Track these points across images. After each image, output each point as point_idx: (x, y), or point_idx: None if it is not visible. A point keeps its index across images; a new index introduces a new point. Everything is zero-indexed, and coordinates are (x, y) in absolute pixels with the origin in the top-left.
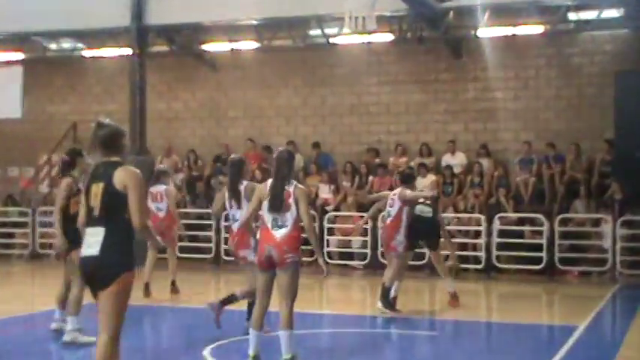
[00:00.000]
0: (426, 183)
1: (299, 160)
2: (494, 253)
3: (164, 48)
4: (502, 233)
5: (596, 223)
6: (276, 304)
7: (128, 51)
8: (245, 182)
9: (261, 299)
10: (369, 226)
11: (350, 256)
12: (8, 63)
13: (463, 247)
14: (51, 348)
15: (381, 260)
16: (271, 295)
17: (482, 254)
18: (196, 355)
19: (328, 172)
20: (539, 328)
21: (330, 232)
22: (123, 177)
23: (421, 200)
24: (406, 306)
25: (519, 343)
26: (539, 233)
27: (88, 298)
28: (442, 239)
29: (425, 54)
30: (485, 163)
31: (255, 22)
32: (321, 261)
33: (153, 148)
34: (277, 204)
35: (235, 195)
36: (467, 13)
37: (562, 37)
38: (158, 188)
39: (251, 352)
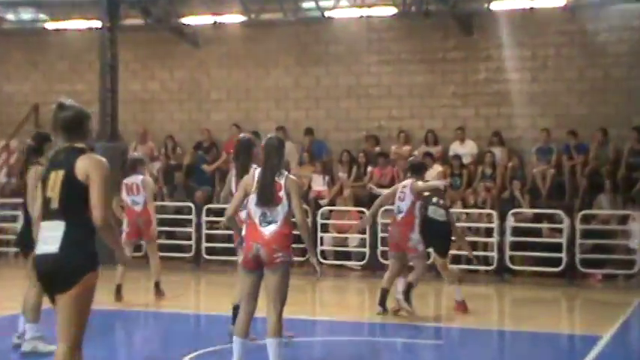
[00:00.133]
0: (432, 174)
1: (290, 149)
2: (508, 253)
3: (138, 21)
4: (516, 231)
5: (623, 220)
6: (263, 309)
7: (97, 24)
8: (255, 167)
9: (246, 303)
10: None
11: (346, 256)
12: None
13: (473, 246)
14: (11, 358)
15: (381, 260)
16: (257, 299)
17: (494, 254)
18: None
19: (322, 162)
20: (557, 338)
21: (325, 228)
22: (86, 165)
23: (434, 200)
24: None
25: (535, 355)
26: (559, 231)
27: (47, 302)
28: (454, 237)
29: (431, 30)
30: (498, 152)
31: None
32: (314, 261)
33: (125, 134)
34: (267, 197)
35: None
36: None
37: (586, 12)
38: (134, 179)
39: None
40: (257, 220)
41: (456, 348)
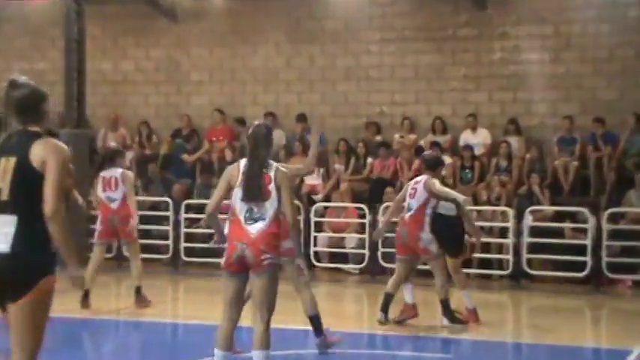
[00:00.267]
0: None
1: (280, 137)
2: (525, 256)
3: None
4: (535, 231)
5: None
6: (248, 318)
7: None
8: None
9: (229, 311)
10: (366, 221)
11: (343, 258)
12: None
13: (486, 248)
14: None
15: (382, 264)
16: (242, 306)
17: (509, 257)
18: None
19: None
20: (581, 352)
21: (319, 227)
22: (43, 151)
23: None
24: (414, 322)
25: None
26: (583, 232)
27: None
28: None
29: (440, 3)
30: (515, 142)
31: None
32: (300, 262)
33: (94, 120)
34: (254, 191)
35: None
36: None
37: None
38: (112, 172)
39: None
40: (242, 218)
41: None
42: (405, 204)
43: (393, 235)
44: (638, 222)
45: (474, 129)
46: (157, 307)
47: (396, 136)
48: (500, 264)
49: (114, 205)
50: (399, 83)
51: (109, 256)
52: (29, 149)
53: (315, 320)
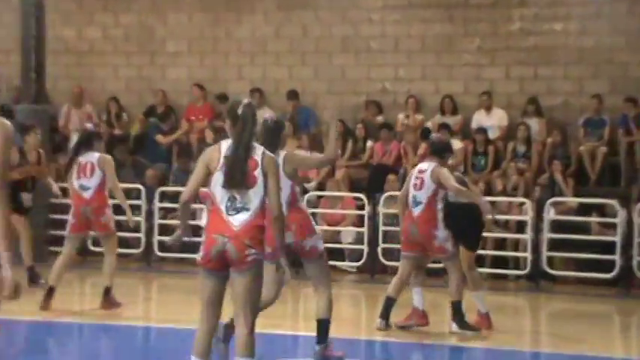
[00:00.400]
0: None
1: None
2: (545, 254)
3: None
4: (557, 226)
5: None
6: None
7: None
8: (285, 151)
9: (207, 315)
10: (365, 212)
11: (339, 255)
12: None
13: (500, 244)
14: None
15: (383, 261)
16: (221, 308)
17: (527, 255)
18: None
19: (310, 134)
20: None
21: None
22: None
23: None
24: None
25: None
26: (611, 227)
27: None
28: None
29: None
30: (535, 124)
31: None
32: (282, 260)
33: (55, 94)
34: (237, 177)
35: None
36: None
37: None
38: (88, 157)
39: None
40: (223, 207)
41: None
42: (410, 196)
43: (394, 228)
44: None
45: (488, 109)
46: (127, 308)
47: (400, 116)
48: (516, 263)
49: (86, 195)
50: (404, 56)
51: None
52: None
53: (322, 325)
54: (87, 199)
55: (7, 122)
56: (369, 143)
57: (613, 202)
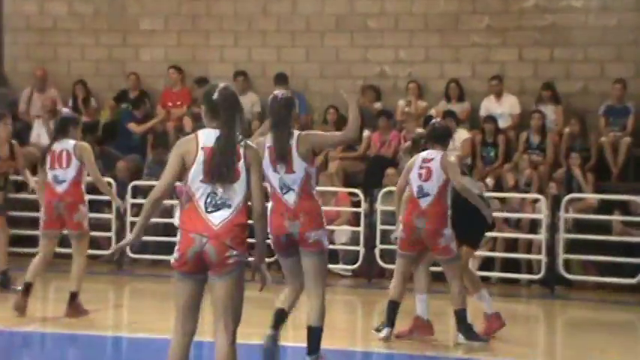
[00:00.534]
0: (454, 143)
1: (253, 103)
2: (562, 256)
3: None
4: (575, 225)
5: None
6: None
7: None
8: (297, 131)
9: (182, 323)
10: (361, 210)
11: (332, 257)
12: None
13: (511, 246)
14: None
15: (380, 264)
16: (198, 315)
17: (541, 258)
18: None
19: (299, 122)
20: None
21: None
22: None
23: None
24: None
25: None
26: (636, 226)
27: None
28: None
29: None
30: (551, 112)
31: None
32: (262, 265)
33: (15, 77)
34: (220, 170)
35: (283, 152)
36: None
37: None
38: (63, 145)
39: None
40: (202, 204)
41: None
42: (414, 187)
43: (393, 227)
44: None
45: (498, 95)
46: (95, 316)
47: (400, 103)
48: (529, 266)
49: (60, 188)
50: (405, 36)
51: (34, 251)
52: None
53: (314, 333)
54: (60, 194)
55: None
56: (366, 133)
57: (637, 199)
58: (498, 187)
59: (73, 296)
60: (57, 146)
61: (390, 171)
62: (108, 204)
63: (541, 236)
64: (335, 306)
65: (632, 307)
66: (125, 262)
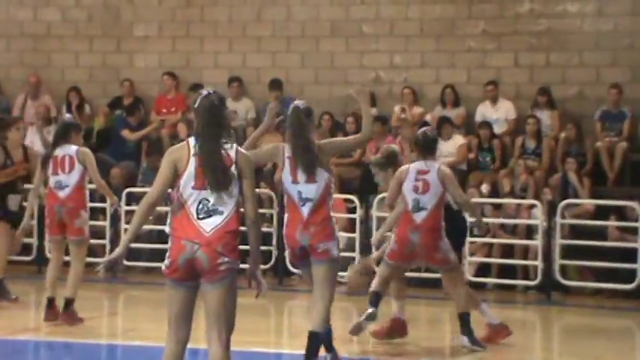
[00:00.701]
0: (449, 149)
1: (248, 109)
2: (558, 262)
3: None
4: (571, 231)
5: None
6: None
7: None
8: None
9: (175, 331)
10: (357, 216)
11: None
12: None
13: (507, 251)
14: None
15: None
16: (191, 323)
17: (537, 264)
18: None
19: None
20: None
21: None
22: None
23: None
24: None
25: None
26: (632, 232)
27: None
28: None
29: None
30: (547, 118)
31: None
32: (256, 271)
33: (8, 84)
34: (216, 177)
35: (305, 160)
36: None
37: None
38: (66, 150)
39: None
40: (193, 210)
41: None
42: (409, 201)
43: (389, 234)
44: None
45: (494, 100)
46: (89, 323)
47: (396, 108)
48: (525, 272)
49: (62, 194)
50: (400, 42)
51: (27, 259)
52: None
53: (315, 338)
54: (62, 199)
55: None
56: None
57: (634, 205)
58: (495, 192)
59: (69, 303)
60: (59, 152)
61: None
62: (102, 211)
63: (537, 242)
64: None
65: (628, 313)
66: (119, 269)
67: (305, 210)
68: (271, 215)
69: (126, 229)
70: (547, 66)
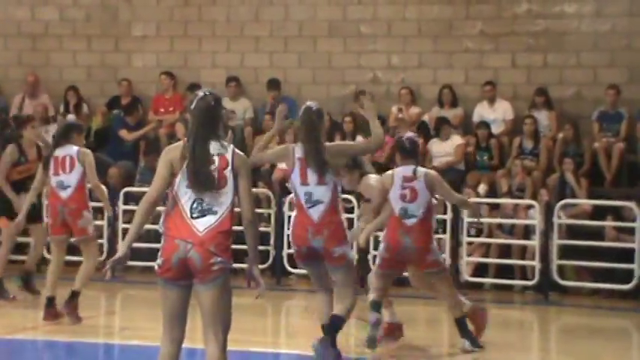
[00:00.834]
0: (447, 149)
1: (246, 109)
2: (555, 262)
3: None
4: (568, 231)
5: None
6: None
7: None
8: (328, 144)
9: (170, 331)
10: (355, 216)
11: None
12: None
13: (505, 252)
14: None
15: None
16: (185, 323)
17: (535, 264)
18: None
19: (293, 128)
20: None
21: None
22: None
23: None
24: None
25: None
26: (629, 232)
27: None
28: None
29: None
30: (544, 118)
31: None
32: (256, 272)
33: (6, 83)
34: (206, 177)
35: (317, 161)
36: None
37: None
38: (67, 150)
39: None
40: (187, 209)
41: None
42: (396, 209)
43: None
44: None
45: (491, 101)
46: (87, 322)
47: (394, 109)
48: (523, 272)
49: (64, 194)
50: (398, 42)
51: (24, 258)
52: None
53: (337, 320)
54: (64, 199)
55: None
56: (359, 138)
57: (631, 205)
58: (491, 191)
59: (74, 295)
60: (60, 152)
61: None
62: (100, 210)
63: (534, 242)
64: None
65: (626, 313)
66: (117, 268)
67: (314, 212)
68: (269, 215)
69: (123, 229)
70: (544, 66)
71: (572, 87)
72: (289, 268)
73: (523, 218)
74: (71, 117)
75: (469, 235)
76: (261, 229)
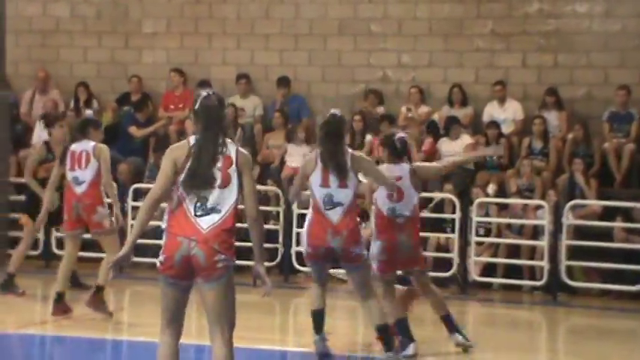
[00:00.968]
0: (457, 148)
1: (256, 106)
2: (564, 263)
3: None
4: (577, 232)
5: None
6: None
7: None
8: (350, 150)
9: (168, 329)
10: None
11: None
12: None
13: (514, 252)
14: None
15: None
16: (183, 321)
17: (544, 264)
18: None
19: (302, 126)
20: None
21: (303, 221)
22: None
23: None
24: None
25: None
26: (639, 233)
27: None
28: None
29: None
30: (554, 118)
31: None
32: (261, 270)
33: (17, 79)
34: (208, 176)
35: (337, 165)
36: None
37: None
38: (83, 145)
39: None
40: (191, 207)
41: None
42: (383, 209)
43: None
44: None
45: (501, 100)
46: (95, 319)
47: (403, 108)
48: (531, 272)
49: (79, 190)
50: (408, 41)
51: (34, 253)
52: None
53: (383, 330)
54: (78, 195)
55: None
56: (368, 137)
57: None
58: (501, 191)
59: (99, 289)
60: (76, 147)
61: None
62: (109, 206)
63: (543, 242)
64: (337, 311)
65: (635, 314)
66: (122, 267)
67: (333, 214)
68: (277, 213)
69: (132, 225)
70: (555, 66)
71: (582, 87)
72: (297, 266)
73: (532, 218)
74: (89, 112)
75: (478, 235)
76: (270, 226)
